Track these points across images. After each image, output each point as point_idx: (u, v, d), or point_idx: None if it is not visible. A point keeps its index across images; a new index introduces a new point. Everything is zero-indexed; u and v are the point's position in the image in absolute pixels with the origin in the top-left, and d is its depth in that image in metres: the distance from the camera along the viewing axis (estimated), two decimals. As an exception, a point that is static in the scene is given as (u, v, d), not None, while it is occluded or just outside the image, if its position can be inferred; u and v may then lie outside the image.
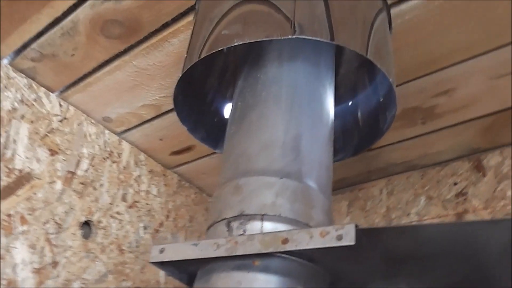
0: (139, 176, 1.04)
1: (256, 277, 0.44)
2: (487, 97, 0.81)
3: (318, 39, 0.55)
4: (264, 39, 0.55)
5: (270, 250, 0.43)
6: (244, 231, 0.47)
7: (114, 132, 1.01)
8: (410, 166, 0.99)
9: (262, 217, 0.48)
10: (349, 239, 0.40)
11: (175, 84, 0.64)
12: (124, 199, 0.99)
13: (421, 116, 0.86)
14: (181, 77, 0.63)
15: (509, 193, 0.84)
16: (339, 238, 0.40)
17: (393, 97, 0.62)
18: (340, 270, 0.48)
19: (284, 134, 0.54)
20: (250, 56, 0.65)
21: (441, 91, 0.81)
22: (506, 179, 0.86)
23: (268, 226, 0.47)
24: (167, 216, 1.07)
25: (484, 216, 0.85)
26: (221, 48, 0.57)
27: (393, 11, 0.68)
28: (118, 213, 0.97)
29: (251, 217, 0.48)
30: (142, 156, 1.06)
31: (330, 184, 0.56)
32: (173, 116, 0.95)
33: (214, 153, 1.04)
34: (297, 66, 0.61)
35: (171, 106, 0.93)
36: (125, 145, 1.03)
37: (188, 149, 1.05)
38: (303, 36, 0.54)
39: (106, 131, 1.00)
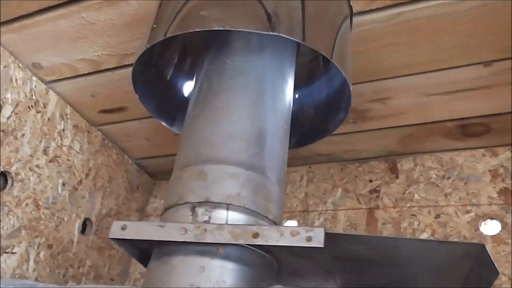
0: (63, 130, 0.99)
1: (220, 264, 0.46)
2: (414, 110, 0.89)
3: (294, 39, 0.57)
4: (246, 30, 0.56)
5: (240, 242, 0.45)
6: (210, 218, 0.49)
7: (42, 81, 0.95)
8: (332, 158, 1.06)
9: (228, 207, 0.50)
10: (317, 242, 0.43)
11: (138, 52, 0.63)
12: (45, 152, 0.94)
13: (354, 116, 0.92)
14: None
15: (416, 196, 0.94)
16: (309, 239, 0.44)
17: (347, 102, 0.67)
18: (287, 261, 0.52)
19: (250, 126, 0.56)
20: (216, 40, 0.65)
21: (377, 98, 0.87)
22: (415, 183, 0.96)
23: (233, 216, 0.49)
24: (87, 175, 1.04)
25: (392, 214, 0.94)
26: (198, 30, 0.57)
27: (356, 19, 0.72)
28: (37, 166, 0.92)
29: (216, 205, 0.50)
30: (68, 110, 1.01)
31: (284, 177, 0.59)
32: (112, 75, 0.92)
33: (147, 117, 1.03)
34: (264, 59, 0.63)
35: (113, 65, 0.90)
36: (52, 96, 0.97)
37: (119, 109, 1.02)
38: (282, 35, 0.56)
39: (34, 78, 0.93)
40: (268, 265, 0.50)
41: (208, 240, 0.46)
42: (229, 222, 0.49)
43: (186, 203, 0.51)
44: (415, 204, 0.94)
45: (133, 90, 0.68)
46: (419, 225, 0.91)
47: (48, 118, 0.96)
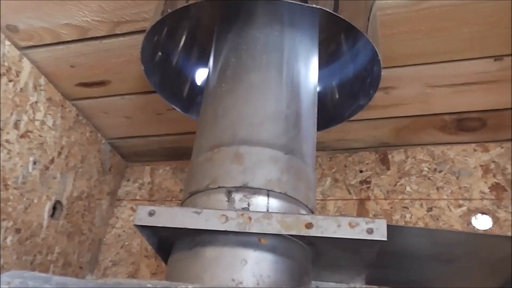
0: (36, 102, 0.89)
1: (263, 256, 0.42)
2: (415, 102, 0.88)
3: (340, 16, 0.53)
4: (292, 1, 0.51)
5: (292, 232, 0.41)
6: (249, 205, 0.44)
7: (16, 46, 0.85)
8: (321, 147, 1.03)
9: (268, 193, 0.45)
10: (380, 235, 0.40)
11: (153, 19, 0.56)
12: (16, 126, 0.84)
13: (354, 105, 0.89)
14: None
15: (408, 188, 0.93)
16: (370, 231, 0.40)
17: (373, 88, 0.63)
18: (326, 253, 0.48)
19: (286, 107, 0.52)
20: (240, 12, 0.60)
21: (382, 87, 0.85)
22: (407, 175, 0.95)
23: (274, 203, 0.45)
24: (59, 153, 0.95)
25: (384, 205, 0.93)
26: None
27: (379, 2, 0.69)
28: (7, 141, 0.82)
29: (256, 190, 0.45)
30: (42, 80, 0.91)
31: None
32: (99, 44, 0.84)
33: (130, 94, 0.95)
34: (297, 35, 0.58)
35: (102, 33, 0.82)
36: (26, 64, 0.87)
37: (100, 83, 0.93)
38: (318, 6, 0.52)
39: (7, 42, 0.83)
40: (308, 257, 0.46)
41: (254, 230, 0.41)
42: (270, 210, 0.44)
43: (219, 187, 0.46)
44: (407, 196, 0.93)
45: (145, 74, 0.62)
46: (411, 217, 0.90)
47: (21, 89, 0.86)
